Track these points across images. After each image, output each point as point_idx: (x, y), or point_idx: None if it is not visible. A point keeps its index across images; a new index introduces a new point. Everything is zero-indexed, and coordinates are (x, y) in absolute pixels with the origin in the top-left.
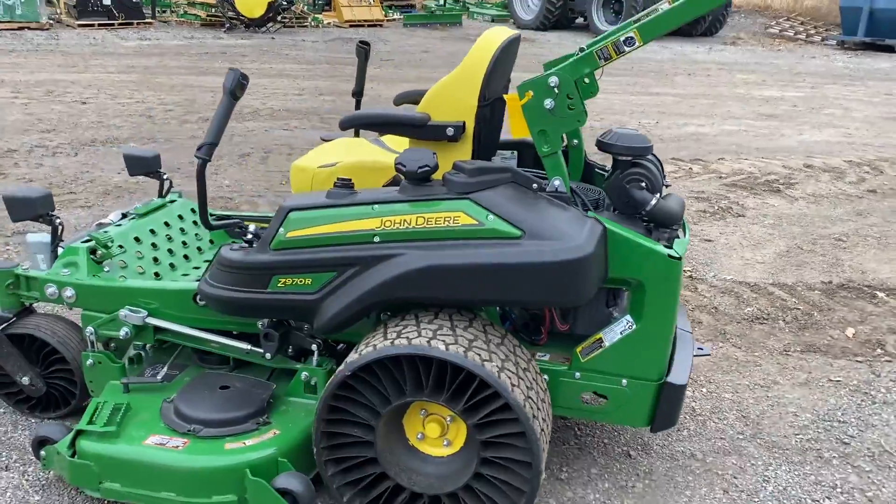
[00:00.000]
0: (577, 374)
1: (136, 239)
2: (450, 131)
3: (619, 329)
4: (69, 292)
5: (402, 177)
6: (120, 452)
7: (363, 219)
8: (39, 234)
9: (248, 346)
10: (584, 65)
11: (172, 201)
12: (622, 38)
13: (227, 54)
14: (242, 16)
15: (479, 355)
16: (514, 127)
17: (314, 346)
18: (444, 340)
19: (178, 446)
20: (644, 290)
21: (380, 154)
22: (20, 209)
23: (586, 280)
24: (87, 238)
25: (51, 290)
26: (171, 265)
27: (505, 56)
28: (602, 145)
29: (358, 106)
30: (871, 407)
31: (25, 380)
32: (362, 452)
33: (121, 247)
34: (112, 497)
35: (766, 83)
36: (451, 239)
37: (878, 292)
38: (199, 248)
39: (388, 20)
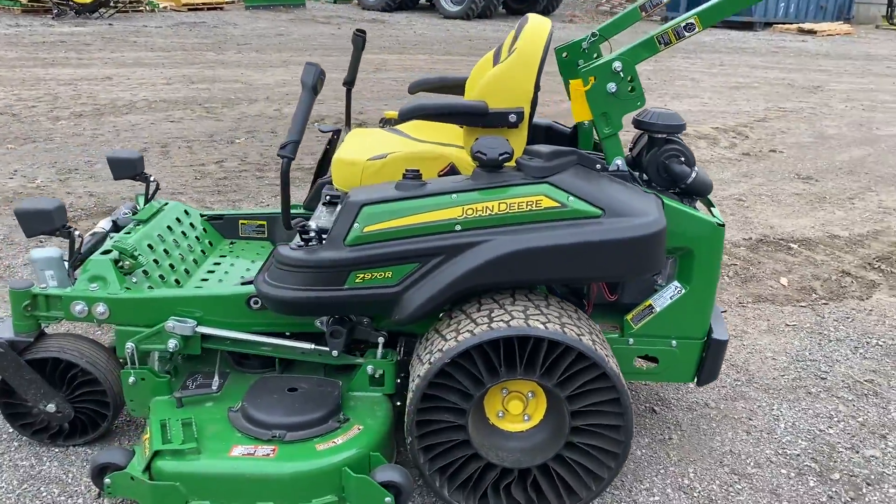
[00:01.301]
0: (631, 341)
1: (150, 246)
2: (512, 118)
3: (668, 295)
4: (101, 308)
5: (477, 164)
6: (206, 468)
7: (443, 208)
8: (45, 250)
9: (312, 346)
10: (644, 50)
11: (165, 204)
12: (683, 25)
13: (68, 43)
14: (72, 1)
15: (573, 331)
16: (576, 111)
17: (380, 339)
18: (538, 320)
19: (267, 454)
20: (693, 256)
21: (410, 144)
22: (37, 223)
23: (662, 251)
24: (107, 249)
25: (79, 307)
26: (186, 271)
27: (550, 44)
28: (640, 124)
29: (349, 95)
30: (830, 345)
31: (51, 407)
32: (454, 436)
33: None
34: None
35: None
36: (536, 222)
37: (791, 244)
38: (202, 252)
39: (227, 3)
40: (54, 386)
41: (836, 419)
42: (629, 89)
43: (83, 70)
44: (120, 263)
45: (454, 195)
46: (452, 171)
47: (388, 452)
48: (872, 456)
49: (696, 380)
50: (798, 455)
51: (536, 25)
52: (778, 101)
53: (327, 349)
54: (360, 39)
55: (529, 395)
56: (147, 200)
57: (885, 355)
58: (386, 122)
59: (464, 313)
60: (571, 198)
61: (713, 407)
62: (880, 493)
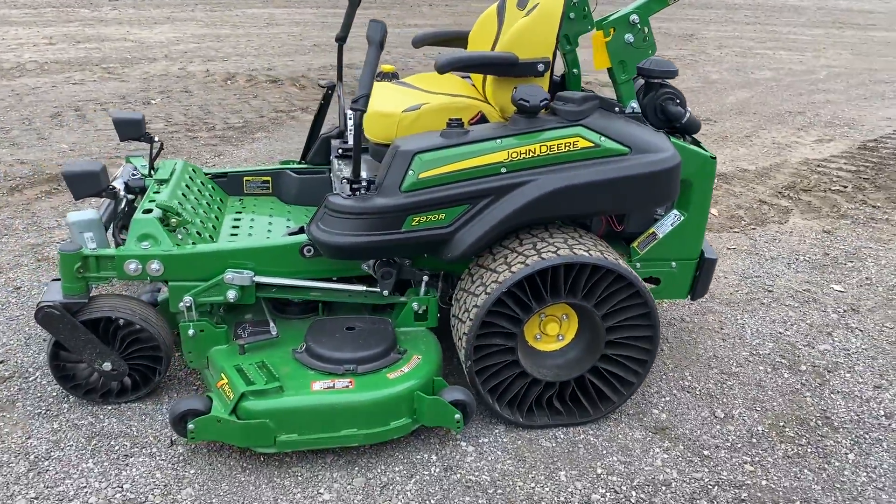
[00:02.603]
0: (638, 265)
1: (180, 204)
2: (541, 67)
3: (669, 222)
4: (155, 265)
5: (518, 109)
6: (294, 403)
7: (490, 153)
8: (83, 212)
9: (364, 287)
10: (656, 3)
11: (176, 164)
12: None
13: None
14: None
15: (611, 256)
16: (598, 60)
17: (424, 278)
18: (580, 249)
19: (346, 386)
20: (691, 186)
21: (434, 97)
22: (86, 185)
23: (679, 182)
24: (147, 209)
25: (133, 266)
26: (213, 227)
27: None
28: (639, 70)
29: (340, 49)
30: (767, 263)
31: (107, 365)
32: (505, 358)
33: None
34: (288, 448)
35: None
36: (574, 161)
37: None
38: (218, 209)
39: None
40: (108, 345)
41: (789, 323)
42: (643, 39)
43: None
44: (165, 221)
45: (499, 140)
46: (482, 119)
47: (441, 376)
48: (826, 349)
49: (690, 296)
50: (769, 354)
51: None
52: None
53: (377, 290)
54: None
55: (564, 317)
56: (152, 160)
57: (813, 268)
58: (383, 76)
59: (507, 248)
60: (603, 138)
61: (689, 321)
62: (839, 378)
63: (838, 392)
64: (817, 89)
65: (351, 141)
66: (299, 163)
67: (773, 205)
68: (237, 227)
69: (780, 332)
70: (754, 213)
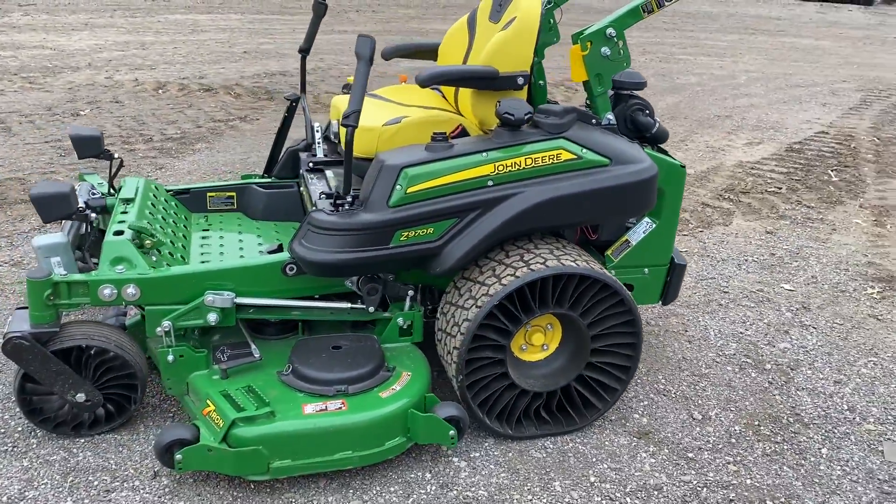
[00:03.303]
0: (613, 272)
1: (150, 225)
2: (520, 81)
3: (641, 230)
4: (131, 289)
5: (501, 122)
6: (286, 428)
7: (477, 166)
8: (50, 236)
9: (349, 304)
10: (630, 17)
11: (138, 182)
12: None
13: None
14: None
15: (595, 266)
16: (575, 73)
17: (410, 293)
18: (569, 259)
19: (339, 407)
20: (664, 194)
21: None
22: (56, 207)
23: (656, 191)
24: (118, 231)
25: (107, 291)
26: (182, 247)
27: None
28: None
29: (304, 61)
30: (719, 264)
31: (81, 396)
32: (494, 370)
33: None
34: (282, 474)
35: (426, 17)
36: (558, 173)
37: None
38: (184, 227)
39: None
40: (80, 374)
41: (748, 323)
42: (619, 52)
43: None
44: (138, 243)
45: (485, 153)
46: (463, 132)
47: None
48: (786, 347)
49: (662, 300)
50: (734, 354)
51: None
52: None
53: (361, 307)
54: (321, 7)
55: (548, 326)
56: (111, 178)
57: (762, 269)
58: (350, 87)
59: (494, 261)
60: (584, 150)
61: (654, 324)
62: (802, 375)
63: (803, 389)
64: (740, 94)
65: (320, 154)
66: (262, 177)
67: (715, 207)
68: (207, 246)
69: (741, 333)
70: (699, 215)
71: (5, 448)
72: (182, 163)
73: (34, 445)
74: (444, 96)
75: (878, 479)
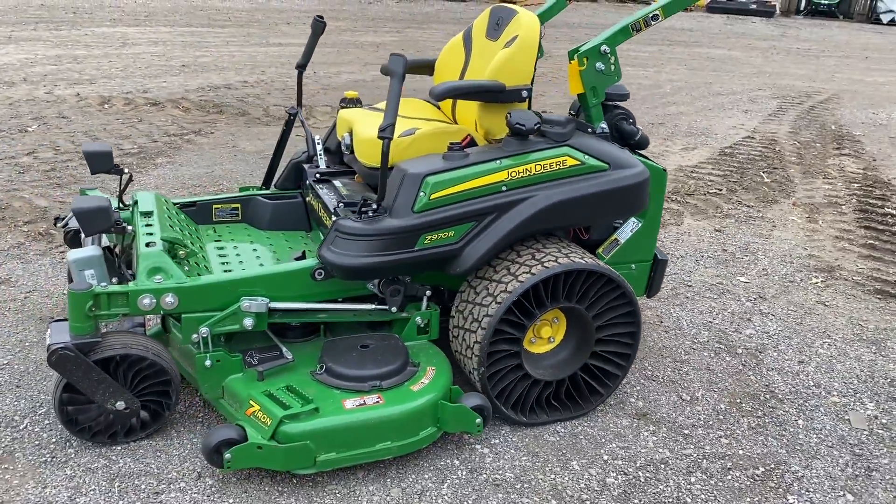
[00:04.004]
0: None
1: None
2: (524, 94)
3: (629, 229)
4: (170, 298)
5: (512, 132)
6: (331, 423)
7: (492, 173)
8: (84, 249)
9: (373, 306)
10: (621, 35)
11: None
12: (650, 15)
13: None
14: None
15: (599, 262)
16: (572, 86)
17: (427, 293)
18: (576, 256)
19: (376, 402)
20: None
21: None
22: (98, 221)
23: (648, 193)
24: (149, 242)
25: (147, 300)
26: (203, 257)
27: None
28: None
29: (300, 76)
30: (679, 261)
31: (121, 404)
32: (510, 362)
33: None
34: (328, 467)
35: (355, 29)
36: (564, 178)
37: None
38: (199, 238)
39: None
40: (120, 383)
41: (714, 312)
42: (611, 67)
43: None
44: (172, 253)
45: (498, 161)
46: (472, 142)
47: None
48: (751, 333)
49: (647, 294)
50: (707, 341)
51: (530, 17)
52: None
53: (385, 307)
54: (319, 25)
55: (555, 320)
56: (122, 192)
57: (718, 263)
58: (349, 102)
59: (507, 260)
60: (587, 156)
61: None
62: (769, 357)
63: (773, 369)
64: (668, 102)
65: (322, 165)
66: (260, 188)
67: (666, 209)
68: (224, 255)
69: (710, 322)
70: None
71: (44, 459)
72: (147, 178)
73: (73, 455)
74: (440, 109)
75: (850, 443)
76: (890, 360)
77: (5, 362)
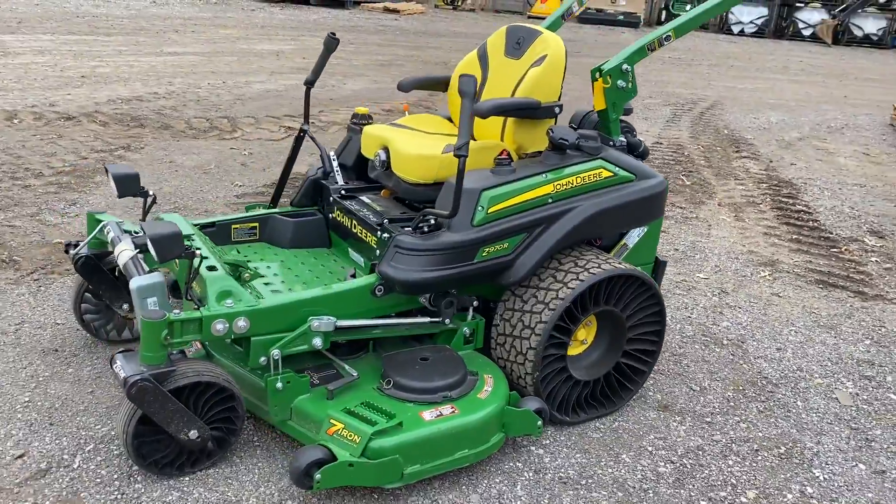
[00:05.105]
0: None
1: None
2: (557, 110)
3: (636, 234)
4: (242, 322)
5: (554, 146)
6: (415, 436)
7: (540, 186)
8: (148, 276)
9: (429, 319)
10: (638, 55)
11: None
12: (663, 36)
13: None
14: None
15: (632, 265)
16: (597, 102)
17: (474, 303)
18: (614, 262)
19: (452, 412)
20: None
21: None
22: (173, 247)
23: (666, 201)
24: (210, 266)
25: (220, 326)
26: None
27: None
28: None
29: (308, 93)
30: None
31: (193, 433)
32: (557, 365)
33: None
34: (414, 479)
35: (249, 37)
36: (601, 189)
37: None
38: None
39: None
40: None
41: (689, 308)
42: (630, 84)
43: None
44: (236, 276)
45: (544, 175)
46: (509, 156)
47: None
48: (727, 326)
49: None
50: (693, 335)
51: (555, 37)
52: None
53: (438, 320)
54: (333, 42)
55: (588, 322)
56: (145, 214)
57: (676, 262)
58: (361, 118)
59: (550, 269)
60: (617, 168)
61: None
62: (751, 346)
63: (759, 357)
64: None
65: (340, 180)
66: (269, 206)
67: None
68: (262, 276)
69: (689, 317)
70: None
71: (114, 497)
72: (93, 197)
73: (142, 490)
74: (452, 122)
75: (845, 419)
76: (849, 342)
77: (27, 400)
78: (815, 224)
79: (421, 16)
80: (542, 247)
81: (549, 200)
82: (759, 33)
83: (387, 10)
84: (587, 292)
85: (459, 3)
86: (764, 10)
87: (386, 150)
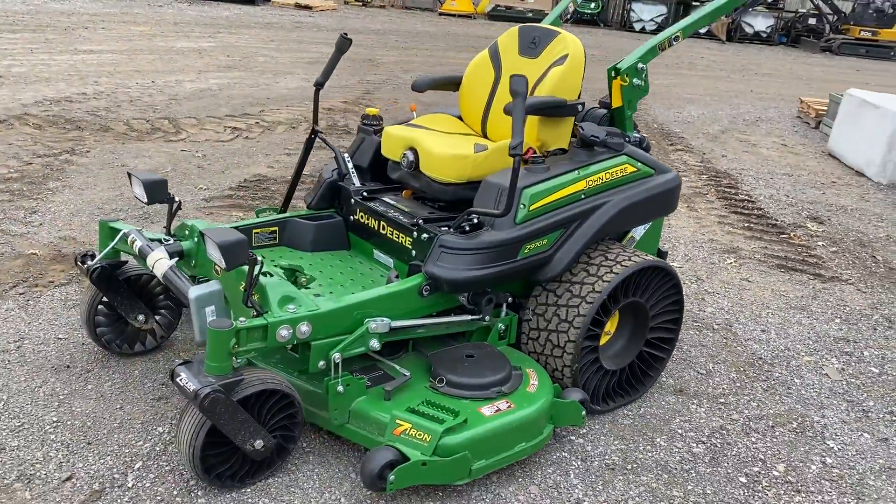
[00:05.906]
0: None
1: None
2: (579, 108)
3: (642, 227)
4: (305, 327)
5: (583, 143)
6: (481, 432)
7: (573, 183)
8: (206, 285)
9: (469, 317)
10: (650, 54)
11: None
12: (672, 36)
13: None
14: None
15: (655, 257)
16: (615, 100)
17: (508, 300)
18: (640, 255)
19: (509, 406)
20: None
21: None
22: (239, 254)
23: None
24: (266, 272)
25: (284, 332)
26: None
27: None
28: (606, 105)
29: (317, 95)
30: None
31: (259, 443)
32: (590, 356)
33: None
34: (480, 474)
35: (165, 34)
36: (627, 184)
37: None
38: None
39: None
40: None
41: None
42: (644, 82)
43: None
44: (294, 281)
45: (577, 171)
46: (535, 154)
47: None
48: (712, 311)
49: None
50: (686, 321)
51: (573, 37)
52: (364, 75)
53: (478, 317)
54: (345, 42)
55: (614, 313)
56: (170, 221)
57: None
58: (373, 119)
59: (581, 263)
60: (639, 163)
61: None
62: (739, 330)
63: (748, 339)
64: None
65: (357, 182)
66: (280, 210)
67: None
68: (305, 278)
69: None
70: None
71: None
72: (52, 205)
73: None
74: (464, 122)
75: (839, 392)
76: (821, 321)
77: (55, 419)
78: (761, 212)
79: (333, 12)
80: (578, 242)
81: (582, 196)
82: (660, 30)
83: (298, 6)
84: (620, 284)
85: (370, 0)
86: (663, 9)
87: (413, 150)
